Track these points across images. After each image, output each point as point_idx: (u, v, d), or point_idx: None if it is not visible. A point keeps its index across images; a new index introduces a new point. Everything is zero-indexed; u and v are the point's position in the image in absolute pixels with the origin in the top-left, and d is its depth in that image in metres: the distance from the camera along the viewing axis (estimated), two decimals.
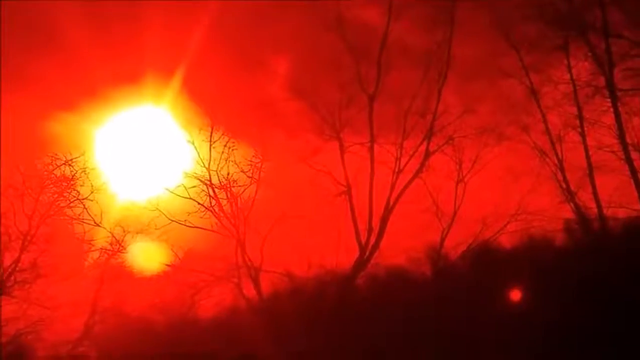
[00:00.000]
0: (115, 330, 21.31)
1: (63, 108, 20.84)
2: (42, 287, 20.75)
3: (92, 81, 20.85)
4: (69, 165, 21.17)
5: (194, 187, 21.49)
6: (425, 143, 22.43)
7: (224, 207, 21.65)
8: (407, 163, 22.30)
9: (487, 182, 22.27)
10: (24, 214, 20.89)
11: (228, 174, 21.69)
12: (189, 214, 21.26)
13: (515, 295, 20.53)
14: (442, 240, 22.30)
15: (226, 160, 21.66)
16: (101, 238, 21.25)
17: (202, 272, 21.48)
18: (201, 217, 21.45)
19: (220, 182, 21.65)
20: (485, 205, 22.01)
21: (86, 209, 21.05)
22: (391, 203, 22.12)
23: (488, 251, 22.15)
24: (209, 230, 21.41)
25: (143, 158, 21.78)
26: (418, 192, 22.17)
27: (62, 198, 21.18)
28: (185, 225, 21.25)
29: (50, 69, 20.51)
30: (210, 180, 21.61)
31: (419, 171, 22.32)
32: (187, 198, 21.38)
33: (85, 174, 21.17)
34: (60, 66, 20.65)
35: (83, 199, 21.10)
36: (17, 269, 20.81)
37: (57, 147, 21.14)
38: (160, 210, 21.15)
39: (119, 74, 20.98)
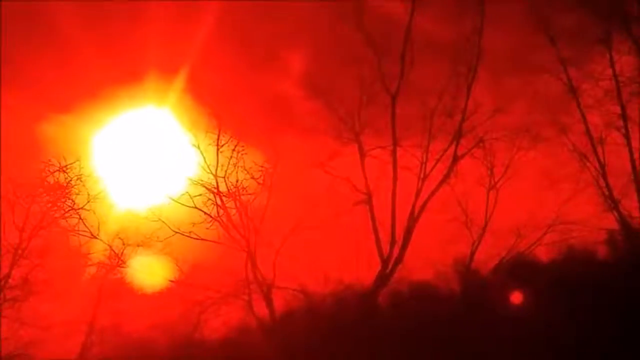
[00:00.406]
0: (114, 351, 20.40)
1: (60, 110, 20.33)
2: (35, 305, 19.86)
3: (92, 81, 20.28)
4: (64, 171, 20.02)
5: (200, 195, 20.53)
6: (453, 146, 21.59)
7: (232, 217, 20.73)
8: (433, 168, 21.52)
9: (521, 188, 21.73)
10: (15, 226, 19.86)
11: (237, 180, 20.77)
12: (194, 224, 20.35)
13: (553, 314, 19.68)
14: (472, 253, 21.62)
15: (235, 166, 20.72)
16: (99, 251, 20.25)
17: (208, 289, 20.65)
18: (208, 228, 20.53)
19: (228, 190, 20.73)
20: (519, 215, 21.55)
21: (82, 219, 19.97)
22: (416, 212, 21.36)
23: (523, 265, 21.56)
24: (216, 242, 20.55)
25: (144, 164, 20.86)
26: (445, 200, 21.49)
27: (56, 208, 20.10)
28: (190, 237, 20.34)
29: (48, 69, 20.14)
30: (217, 188, 20.67)
31: (446, 177, 21.53)
32: (192, 207, 20.40)
33: (81, 181, 20.06)
34: (58, 66, 20.24)
35: (79, 209, 19.99)
36: (7, 285, 19.83)
37: (52, 151, 20.25)
38: (162, 221, 20.20)
39: (119, 74, 20.48)
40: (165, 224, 20.15)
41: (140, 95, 20.69)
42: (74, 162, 20.03)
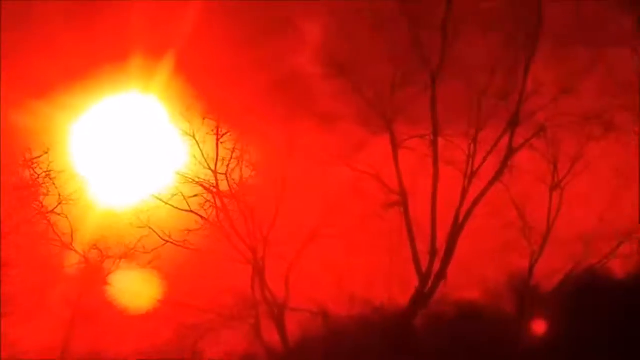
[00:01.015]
0: None
1: (33, 96, 18.39)
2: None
3: (69, 64, 18.58)
4: (30, 167, 18.02)
5: (196, 196, 18.69)
6: (507, 135, 19.75)
7: (235, 223, 19.00)
8: (483, 162, 19.68)
9: (591, 187, 20.00)
10: None
11: (241, 178, 18.93)
12: (188, 231, 18.50)
13: (630, 340, 18.63)
14: (531, 266, 19.87)
15: (238, 161, 18.93)
16: (73, 264, 18.39)
17: (207, 310, 18.98)
18: (205, 237, 18.78)
19: (230, 189, 18.90)
20: (589, 219, 19.77)
21: (52, 225, 18.19)
22: (461, 216, 19.64)
23: (593, 281, 20.06)
24: (216, 253, 18.77)
25: (128, 158, 18.84)
26: (498, 201, 19.70)
27: (20, 211, 18.16)
28: (183, 247, 18.58)
29: (20, 50, 18.47)
30: (217, 187, 18.76)
31: (499, 173, 19.72)
32: (186, 211, 18.51)
33: (51, 178, 18.08)
34: (31, 47, 18.61)
35: (48, 212, 18.09)
36: None
37: (23, 143, 18.33)
38: (150, 227, 18.30)
39: (100, 55, 18.68)
40: (154, 230, 18.37)
41: (123, 79, 18.85)
42: (42, 155, 17.91)
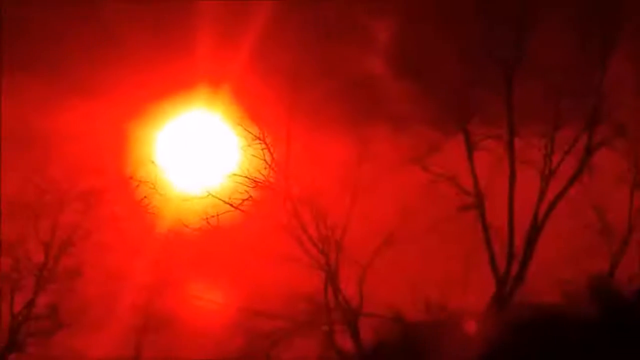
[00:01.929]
0: None
1: (118, 112, 18.75)
2: (66, 340, 18.58)
3: (151, 86, 18.79)
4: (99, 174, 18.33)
5: (265, 201, 18.60)
6: (586, 134, 19.41)
7: (307, 228, 18.91)
8: (560, 162, 19.34)
9: None
10: (39, 241, 18.36)
11: (312, 182, 18.73)
12: (259, 238, 18.41)
13: None
14: (612, 268, 19.47)
15: (309, 165, 18.83)
16: (142, 272, 18.50)
17: (279, 317, 18.90)
18: (277, 242, 18.57)
19: (301, 195, 18.77)
20: None
21: (125, 231, 18.36)
22: (540, 218, 19.30)
23: None
24: (288, 260, 18.49)
25: (199, 164, 18.85)
26: (577, 202, 19.37)
27: (89, 219, 18.51)
28: (256, 255, 18.46)
29: (108, 76, 18.66)
30: (288, 191, 18.57)
31: (578, 173, 19.39)
32: (258, 216, 18.36)
33: (121, 185, 18.30)
34: (118, 73, 18.75)
35: (118, 220, 18.32)
36: (32, 316, 18.41)
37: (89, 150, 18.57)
38: (220, 233, 18.10)
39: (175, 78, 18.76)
40: (223, 237, 18.05)
41: (195, 99, 18.88)
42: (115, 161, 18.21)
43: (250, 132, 18.22)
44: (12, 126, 18.44)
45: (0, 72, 18.62)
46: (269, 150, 18.39)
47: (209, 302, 18.72)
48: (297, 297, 19.01)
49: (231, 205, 18.27)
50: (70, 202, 18.39)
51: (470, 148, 19.46)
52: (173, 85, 18.75)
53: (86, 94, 18.45)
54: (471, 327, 19.16)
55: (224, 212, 18.16)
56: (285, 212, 18.78)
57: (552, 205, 19.38)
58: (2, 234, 18.25)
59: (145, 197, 18.11)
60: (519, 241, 19.39)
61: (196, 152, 18.90)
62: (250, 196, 18.37)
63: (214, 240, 18.33)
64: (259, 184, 18.54)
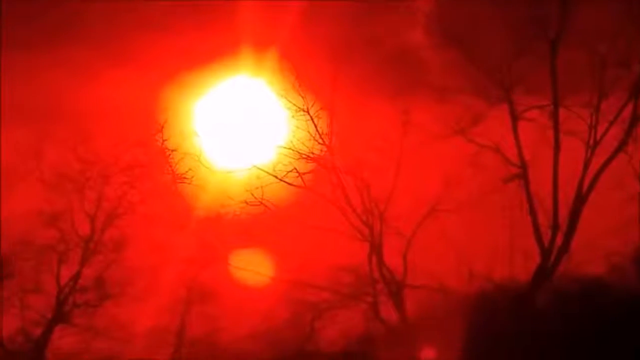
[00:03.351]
0: None
1: (160, 82, 18.90)
2: (111, 312, 19.06)
3: (190, 54, 18.99)
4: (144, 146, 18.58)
5: (310, 172, 18.66)
6: (631, 104, 19.32)
7: (351, 199, 18.99)
8: (605, 132, 19.34)
9: None
10: (85, 214, 18.72)
11: (357, 154, 18.95)
12: (304, 209, 18.58)
13: None
14: None
15: (354, 136, 18.98)
16: (187, 244, 18.66)
17: (323, 289, 19.19)
18: (322, 214, 18.77)
19: (346, 166, 18.87)
20: None
21: (169, 202, 18.56)
22: (584, 189, 19.32)
23: None
24: (332, 231, 18.70)
25: (243, 137, 18.90)
26: (622, 173, 19.31)
27: (135, 191, 18.80)
28: (301, 226, 18.67)
29: (150, 44, 18.88)
30: (332, 163, 18.74)
31: (623, 144, 19.34)
32: (303, 187, 18.48)
33: (165, 156, 18.41)
34: (158, 41, 18.97)
35: (163, 192, 18.53)
36: (78, 287, 18.81)
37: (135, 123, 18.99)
38: (266, 205, 18.20)
39: (216, 44, 18.96)
40: (269, 207, 18.18)
41: (236, 62, 18.95)
42: (157, 134, 18.15)
43: (294, 104, 18.32)
44: (57, 98, 18.64)
45: (44, 46, 18.79)
46: (314, 122, 18.48)
47: (254, 274, 18.93)
48: (341, 268, 19.25)
49: (276, 177, 18.37)
50: (115, 174, 18.66)
51: (515, 118, 19.39)
52: (215, 52, 18.83)
53: (128, 64, 18.70)
54: (516, 298, 19.13)
55: (269, 184, 18.31)
56: (330, 184, 18.88)
57: (596, 176, 19.31)
58: (48, 206, 18.53)
59: (189, 169, 18.23)
60: (564, 212, 19.39)
61: (240, 122, 18.96)
62: (295, 168, 18.48)
63: (258, 212, 18.47)
64: (304, 156, 18.63)
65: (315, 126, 18.64)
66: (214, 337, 19.22)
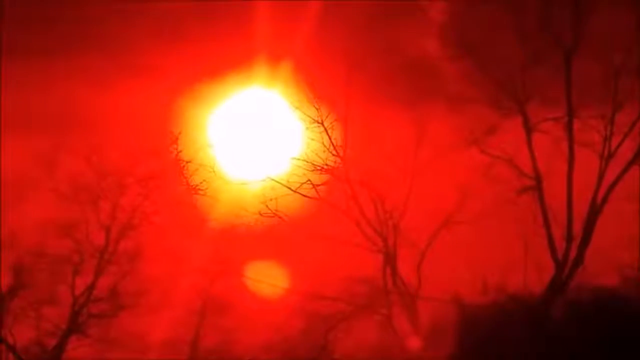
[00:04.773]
0: None
1: (176, 94, 19.17)
2: (125, 322, 19.15)
3: (204, 65, 19.19)
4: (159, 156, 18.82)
5: (323, 184, 18.91)
6: None
7: (365, 211, 19.18)
8: (620, 144, 19.33)
9: None
10: (99, 224, 18.94)
11: (371, 165, 19.09)
12: (318, 221, 18.76)
13: None
14: None
15: (367, 147, 19.10)
16: (202, 256, 18.92)
17: (338, 300, 19.23)
18: (335, 225, 18.91)
19: (360, 177, 19.07)
20: None
21: (184, 213, 18.81)
22: (599, 201, 19.33)
23: None
24: (346, 243, 18.87)
25: (257, 148, 19.18)
26: (636, 184, 19.33)
27: (150, 202, 19.00)
28: (316, 238, 18.76)
29: (162, 55, 19.15)
30: (346, 174, 18.95)
31: (637, 156, 19.34)
32: (316, 199, 18.74)
33: (180, 167, 18.69)
34: (170, 52, 19.25)
35: (178, 203, 18.78)
36: (92, 298, 18.98)
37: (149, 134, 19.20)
38: (281, 217, 18.51)
39: (229, 58, 19.15)
40: (282, 218, 18.50)
41: (251, 77, 19.15)
42: (172, 145, 18.46)
43: (308, 115, 18.57)
44: (72, 107, 18.88)
45: (59, 54, 19.03)
46: (327, 134, 18.69)
47: (268, 286, 19.09)
48: (355, 280, 19.27)
49: (290, 188, 18.64)
50: (130, 185, 18.85)
51: (529, 130, 19.40)
52: (230, 63, 19.01)
53: (143, 74, 18.89)
54: (530, 310, 19.12)
55: (283, 196, 18.57)
56: (344, 195, 19.05)
57: (611, 188, 19.27)
58: (62, 216, 18.74)
59: (204, 180, 18.53)
60: (578, 224, 19.34)
61: (254, 133, 19.14)
62: (309, 180, 18.72)
63: (272, 224, 18.67)
64: (318, 167, 18.83)
65: (330, 137, 18.85)
66: (227, 348, 19.27)
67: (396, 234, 19.41)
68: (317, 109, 18.67)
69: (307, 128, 18.76)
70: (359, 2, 19.28)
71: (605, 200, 19.37)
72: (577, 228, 19.46)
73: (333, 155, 18.96)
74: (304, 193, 18.78)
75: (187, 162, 18.62)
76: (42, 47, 19.23)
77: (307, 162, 18.80)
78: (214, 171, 18.54)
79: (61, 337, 18.68)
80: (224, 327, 19.29)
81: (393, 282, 19.51)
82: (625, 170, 19.36)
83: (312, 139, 18.81)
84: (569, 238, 19.40)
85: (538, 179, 19.43)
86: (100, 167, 18.85)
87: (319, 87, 18.87)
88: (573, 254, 19.50)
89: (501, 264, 19.10)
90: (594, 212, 19.35)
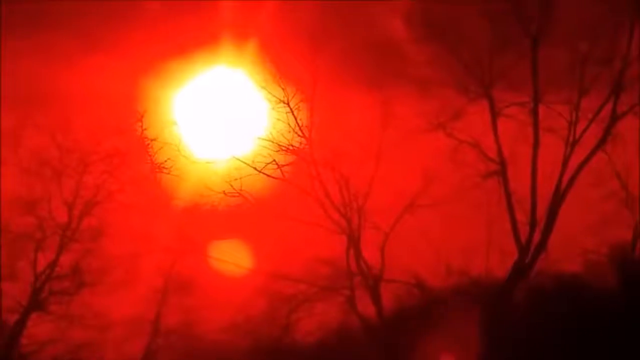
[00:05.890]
0: (183, 357, 19.49)
1: (140, 71, 19.11)
2: (87, 300, 19.19)
3: (169, 43, 19.29)
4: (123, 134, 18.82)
5: (288, 165, 18.96)
6: (611, 102, 19.65)
7: (330, 192, 19.26)
8: (585, 130, 19.68)
9: None
10: (62, 201, 18.91)
11: (336, 146, 19.21)
12: (282, 201, 18.88)
13: None
14: (635, 238, 19.94)
15: (333, 129, 19.23)
16: (165, 234, 18.96)
17: (300, 281, 19.40)
18: (299, 206, 19.07)
19: (325, 159, 19.16)
20: None
21: (148, 191, 18.80)
22: (563, 186, 19.65)
23: None
24: (310, 224, 19.00)
25: (221, 127, 19.23)
26: (600, 171, 19.67)
27: (113, 179, 18.98)
28: (279, 219, 18.89)
29: (128, 32, 19.23)
30: (311, 155, 19.03)
31: (602, 142, 19.70)
32: (281, 179, 18.78)
33: (144, 145, 18.65)
34: (136, 29, 19.32)
35: (142, 181, 18.78)
36: (54, 275, 18.94)
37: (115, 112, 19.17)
38: (246, 196, 18.55)
39: (194, 36, 19.28)
40: (248, 198, 18.52)
41: (217, 56, 19.21)
42: (137, 123, 18.35)
43: (274, 95, 18.58)
44: (36, 85, 18.86)
45: (23, 32, 19.03)
46: (293, 114, 18.72)
47: (232, 265, 19.17)
48: (319, 261, 19.45)
49: (255, 168, 18.66)
50: (94, 162, 18.85)
51: (495, 114, 19.61)
52: (196, 42, 19.07)
53: (108, 52, 18.90)
54: (493, 294, 19.43)
55: (248, 176, 18.58)
56: (309, 176, 19.11)
57: (575, 174, 19.56)
58: (25, 193, 18.70)
59: (168, 159, 18.48)
60: (542, 209, 19.59)
61: (219, 113, 19.22)
62: (274, 160, 18.72)
63: (237, 203, 18.71)
64: (283, 148, 18.86)
65: (295, 118, 18.89)
66: (190, 327, 19.41)
67: (360, 215, 19.49)
68: (283, 89, 18.69)
69: (272, 108, 18.80)
70: None
71: (569, 185, 19.69)
72: (541, 213, 19.75)
73: (298, 135, 19.01)
74: (269, 173, 18.78)
75: (151, 140, 18.59)
76: (6, 24, 19.12)
77: (273, 142, 18.81)
78: (178, 150, 18.53)
79: (22, 313, 18.64)
80: (187, 306, 19.41)
81: (356, 264, 19.60)
82: (590, 156, 19.64)
83: (278, 119, 18.85)
84: (533, 223, 19.67)
85: (503, 163, 19.70)
86: (65, 144, 18.82)
87: (285, 67, 18.91)
88: (537, 239, 19.71)
89: (465, 248, 19.39)
90: (558, 197, 19.67)
